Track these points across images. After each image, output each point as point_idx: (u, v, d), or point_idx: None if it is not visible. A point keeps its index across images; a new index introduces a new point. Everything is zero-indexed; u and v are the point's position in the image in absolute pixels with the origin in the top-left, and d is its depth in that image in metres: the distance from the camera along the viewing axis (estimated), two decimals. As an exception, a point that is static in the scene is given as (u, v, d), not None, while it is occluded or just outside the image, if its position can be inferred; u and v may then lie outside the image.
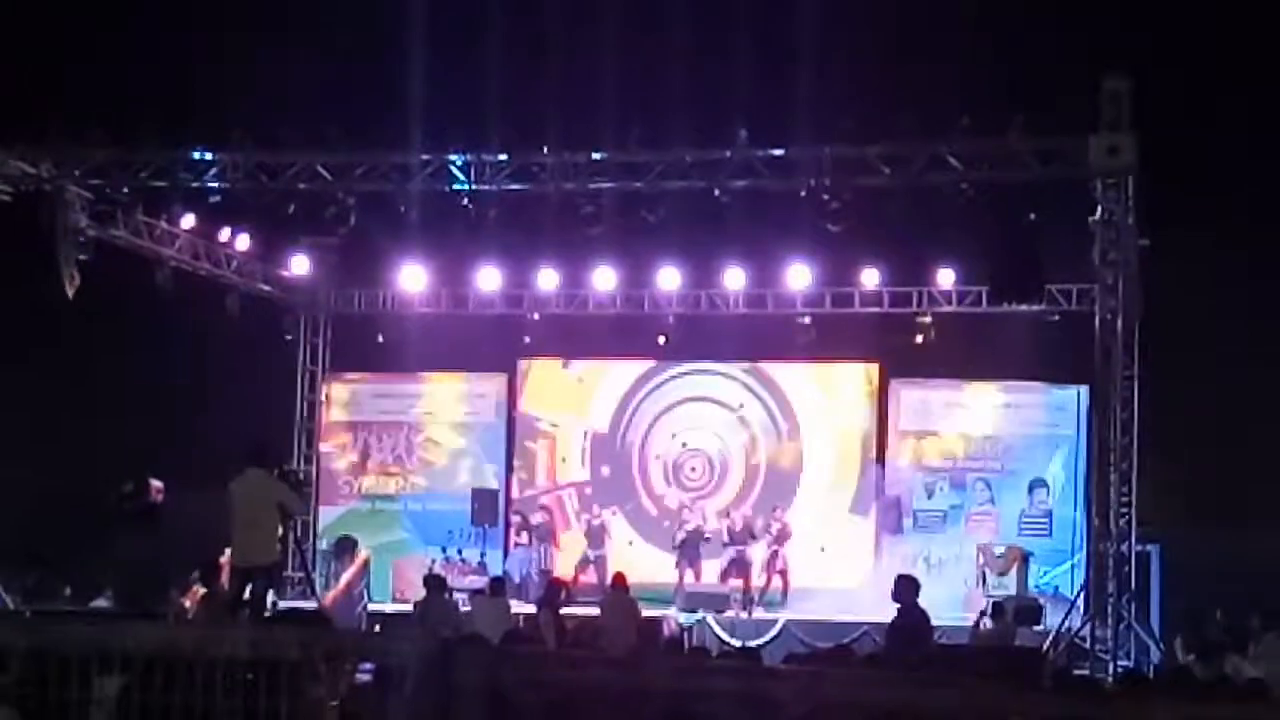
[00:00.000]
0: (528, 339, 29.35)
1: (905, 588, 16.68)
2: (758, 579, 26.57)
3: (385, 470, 29.99)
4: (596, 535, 27.89)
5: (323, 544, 28.34)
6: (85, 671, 5.98)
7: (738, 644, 23.13)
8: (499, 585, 22.18)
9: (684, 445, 29.29)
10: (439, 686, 5.81)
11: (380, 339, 29.50)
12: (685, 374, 29.50)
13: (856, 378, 28.89)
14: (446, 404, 30.10)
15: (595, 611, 21.67)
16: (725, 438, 29.26)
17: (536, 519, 28.51)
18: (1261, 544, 23.62)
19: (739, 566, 26.52)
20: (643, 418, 29.48)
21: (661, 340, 28.66)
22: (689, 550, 27.03)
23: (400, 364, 29.78)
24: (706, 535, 27.39)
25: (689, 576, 26.89)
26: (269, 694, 6.00)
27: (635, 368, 29.69)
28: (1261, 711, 5.70)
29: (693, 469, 29.21)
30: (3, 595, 21.94)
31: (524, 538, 28.25)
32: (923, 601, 16.96)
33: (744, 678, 6.10)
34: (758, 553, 26.79)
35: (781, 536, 26.86)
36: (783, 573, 26.73)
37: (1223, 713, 5.70)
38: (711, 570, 27.03)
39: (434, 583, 21.73)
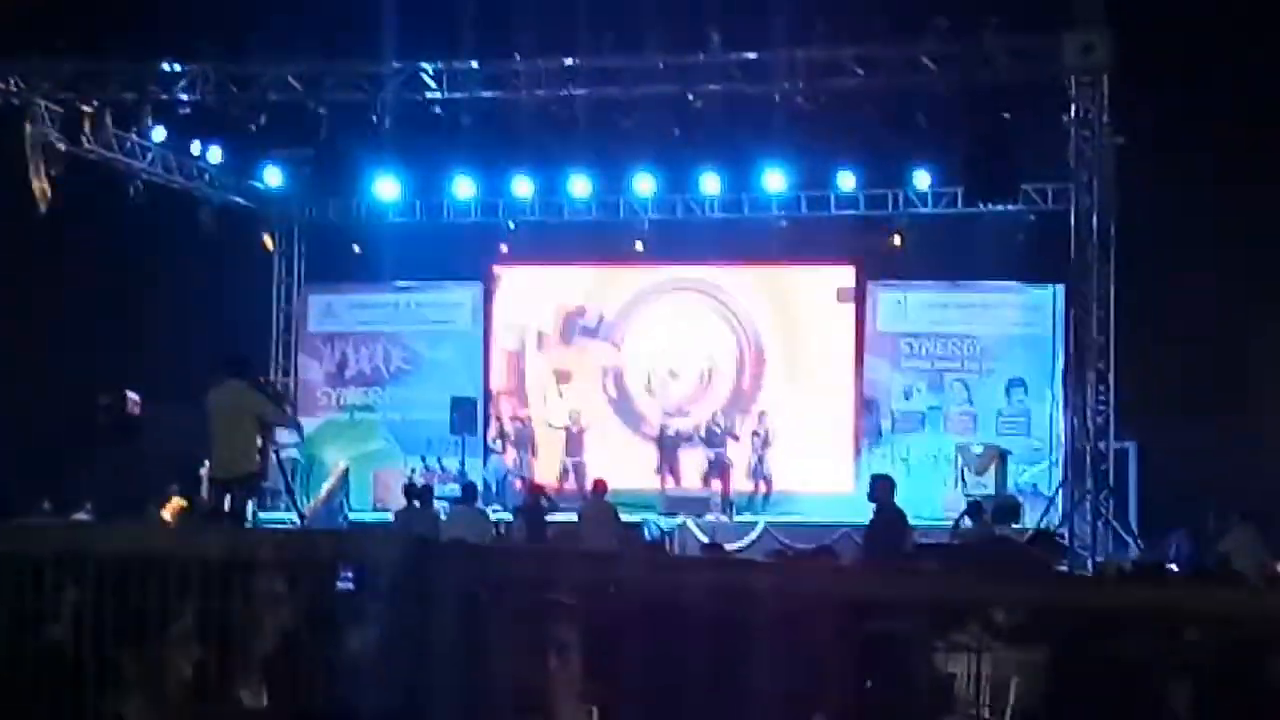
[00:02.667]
0: (504, 247, 29.30)
1: (881, 487, 16.73)
2: (740, 483, 26.65)
3: (363, 380, 29.96)
4: (575, 441, 27.91)
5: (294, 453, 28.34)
6: (58, 577, 5.97)
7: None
8: (470, 492, 22.17)
9: (663, 349, 29.28)
10: (416, 588, 5.81)
11: (356, 249, 29.40)
12: (662, 279, 29.47)
13: (833, 280, 28.87)
14: (423, 313, 30.05)
15: (574, 518, 21.70)
16: (704, 342, 29.26)
17: (514, 426, 28.51)
18: (1239, 439, 23.72)
19: (718, 469, 26.59)
20: (620, 323, 29.46)
21: (639, 246, 28.58)
22: (668, 454, 27.10)
23: (376, 274, 29.68)
24: (687, 437, 27.45)
25: (669, 481, 26.99)
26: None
27: (612, 273, 29.65)
28: (1237, 596, 5.73)
29: (671, 373, 29.21)
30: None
31: (502, 446, 28.27)
32: (902, 502, 17.02)
33: (721, 569, 6.12)
34: (738, 455, 26.87)
35: (765, 441, 26.93)
36: (766, 478, 26.82)
37: (1197, 597, 5.73)
38: (692, 474, 27.12)
39: (414, 492, 21.74)
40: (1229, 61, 23.48)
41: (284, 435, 21.24)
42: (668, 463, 27.06)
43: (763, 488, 26.78)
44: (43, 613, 6.03)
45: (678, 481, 26.96)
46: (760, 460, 26.87)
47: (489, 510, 23.49)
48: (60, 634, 6.06)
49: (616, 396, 29.36)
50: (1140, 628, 5.78)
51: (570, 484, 27.01)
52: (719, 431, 27.00)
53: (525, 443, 28.30)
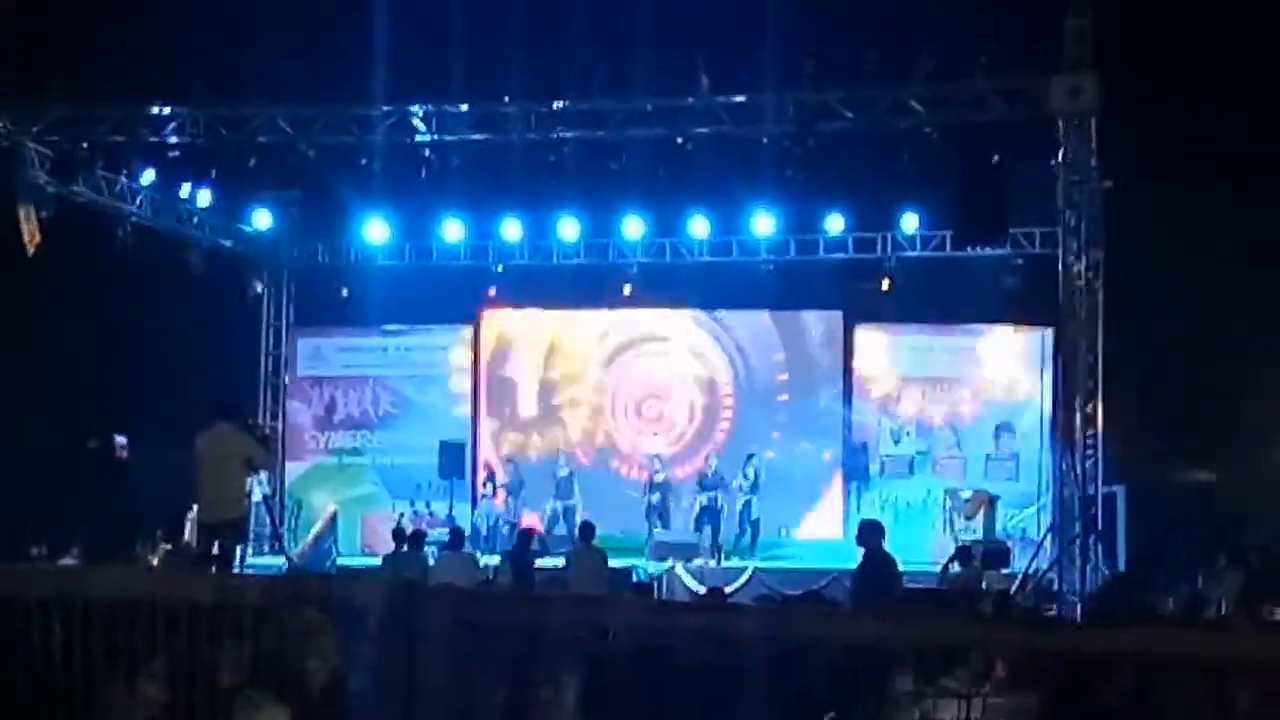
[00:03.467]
0: (493, 290, 29.30)
1: (870, 532, 16.68)
2: (728, 527, 26.59)
3: (352, 424, 29.92)
4: (564, 486, 27.86)
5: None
6: (47, 620, 5.95)
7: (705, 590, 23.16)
8: (458, 537, 22.11)
9: (651, 393, 29.27)
10: (403, 630, 5.79)
11: (345, 293, 29.40)
12: (651, 323, 29.46)
13: (822, 323, 28.88)
14: (412, 357, 30.04)
15: (563, 563, 21.64)
16: (692, 387, 29.25)
17: (504, 471, 28.45)
18: (1227, 484, 23.74)
19: (711, 514, 26.53)
20: (609, 368, 29.46)
21: (626, 289, 28.59)
22: (657, 501, 27.04)
23: (365, 317, 29.69)
24: (675, 485, 27.42)
25: (658, 527, 26.92)
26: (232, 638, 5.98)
27: (601, 317, 29.65)
28: (1227, 640, 5.70)
29: (661, 418, 29.21)
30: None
31: (491, 490, 28.21)
32: (891, 547, 16.98)
33: (709, 615, 6.10)
34: (729, 501, 26.81)
35: (753, 486, 26.87)
36: (754, 522, 26.76)
37: (1187, 641, 5.70)
38: (680, 520, 27.06)
39: (403, 536, 21.69)
40: (1217, 105, 23.58)
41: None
42: (656, 509, 26.99)
43: (750, 532, 26.72)
44: (33, 656, 6.00)
45: (665, 526, 26.87)
46: (748, 504, 26.81)
47: (478, 555, 23.38)
48: (51, 677, 6.03)
49: (604, 441, 29.32)
50: (1132, 673, 5.75)
51: (559, 529, 26.95)
52: (710, 476, 26.95)
53: (514, 487, 28.22)
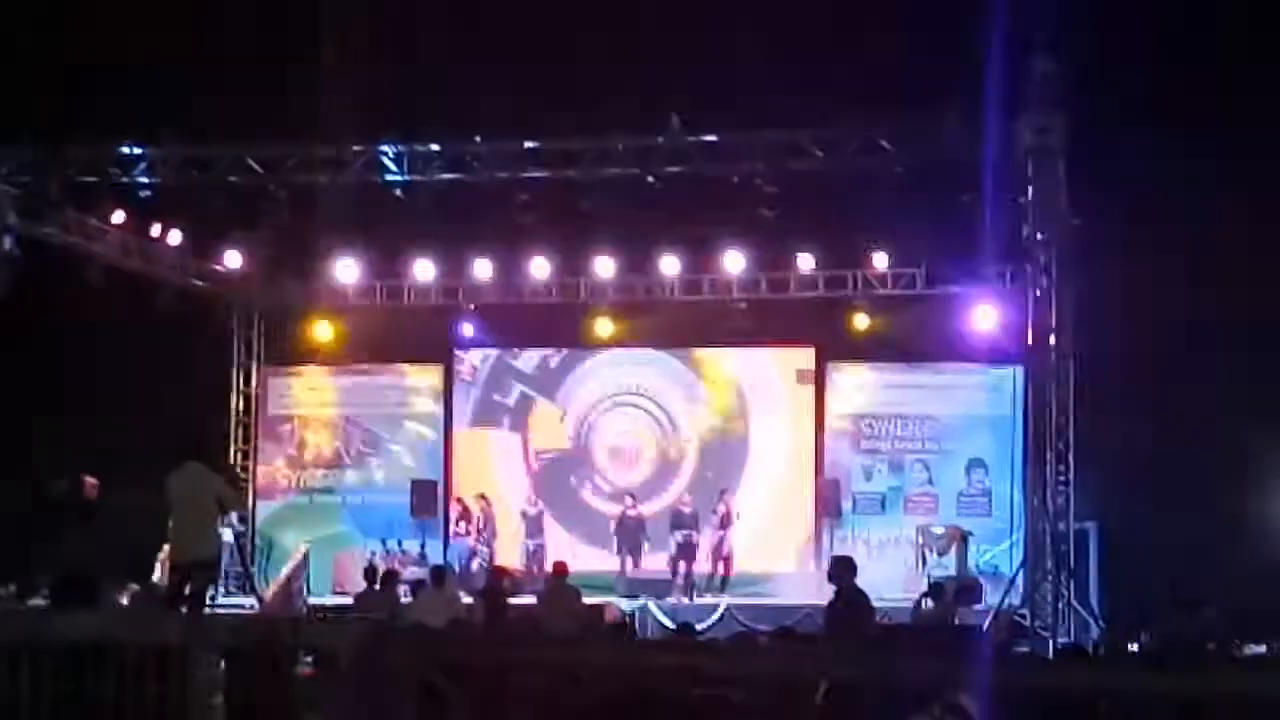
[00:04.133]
0: (464, 329, 29.31)
1: (841, 568, 16.69)
2: (702, 564, 26.55)
3: (323, 463, 29.85)
4: (535, 524, 27.82)
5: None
6: (15, 662, 5.92)
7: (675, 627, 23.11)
8: (440, 575, 22.00)
9: (622, 430, 29.26)
10: (373, 672, 5.77)
11: (317, 332, 29.39)
12: (621, 360, 29.46)
13: (793, 361, 28.90)
14: (383, 395, 29.98)
15: (534, 601, 21.57)
16: (663, 426, 29.24)
17: (475, 509, 28.34)
18: (1199, 521, 23.77)
19: (685, 551, 26.47)
20: (580, 407, 29.44)
21: (598, 327, 28.59)
22: (629, 538, 26.98)
23: (336, 357, 29.67)
24: (646, 521, 27.34)
25: (629, 564, 26.87)
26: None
27: (571, 355, 29.64)
28: (1200, 680, 5.72)
29: (631, 454, 29.19)
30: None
31: (463, 528, 28.11)
32: (864, 583, 16.98)
33: (681, 653, 6.09)
34: (703, 538, 26.80)
35: (725, 521, 26.84)
36: (726, 558, 26.73)
37: (1160, 681, 5.72)
38: (652, 557, 27.00)
39: (374, 575, 21.62)
40: (1187, 142, 23.70)
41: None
42: (627, 545, 26.92)
43: (723, 569, 26.68)
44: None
45: (636, 564, 26.82)
46: (721, 541, 26.77)
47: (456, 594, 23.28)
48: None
49: (574, 480, 29.29)
50: (1107, 710, 5.77)
51: (531, 566, 26.92)
52: (686, 513, 26.90)
53: (486, 525, 28.13)
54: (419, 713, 5.81)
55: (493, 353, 29.78)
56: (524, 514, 27.99)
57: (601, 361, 29.52)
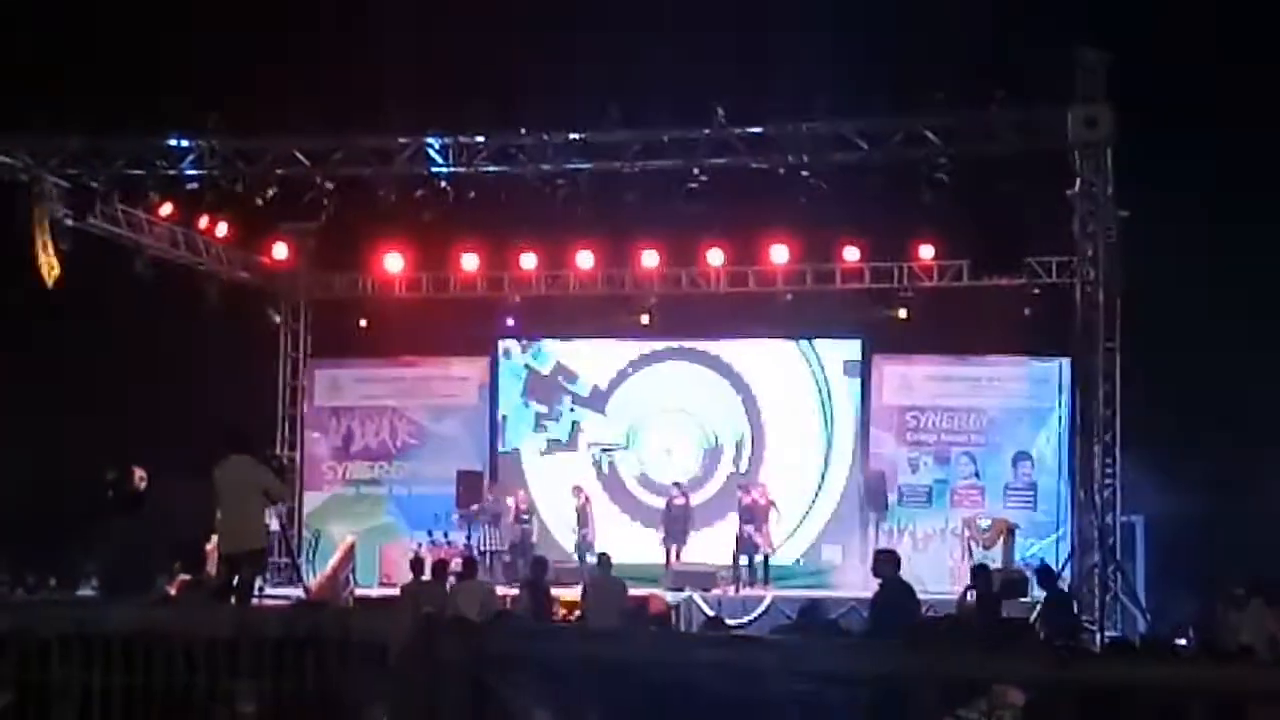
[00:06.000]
0: (509, 320, 29.36)
1: (884, 562, 16.72)
2: (744, 555, 26.53)
3: (369, 455, 29.95)
4: (581, 514, 27.84)
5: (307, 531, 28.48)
6: (66, 654, 5.96)
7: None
8: (471, 566, 22.04)
9: (671, 422, 29.28)
10: (422, 664, 5.79)
11: (363, 323, 29.47)
12: (666, 353, 29.47)
13: (839, 353, 28.87)
14: (429, 387, 30.08)
15: (579, 592, 21.58)
16: (710, 415, 29.24)
17: (512, 502, 28.34)
18: (1245, 513, 23.64)
19: (739, 543, 26.42)
20: (628, 399, 29.47)
21: (644, 319, 28.59)
22: (675, 529, 26.98)
23: (382, 348, 29.75)
24: (695, 510, 27.32)
25: (674, 555, 26.88)
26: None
27: (617, 346, 29.66)
28: (1245, 673, 5.70)
29: (673, 448, 29.20)
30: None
31: (511, 519, 28.12)
32: (909, 576, 16.99)
33: (727, 647, 6.10)
34: (746, 528, 26.80)
35: (770, 513, 26.77)
36: (771, 551, 26.66)
37: (1205, 674, 5.70)
38: (696, 547, 26.99)
39: (421, 566, 21.66)
40: (1233, 133, 23.57)
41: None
42: (673, 536, 26.93)
43: (761, 560, 26.58)
44: (50, 692, 6.01)
45: (678, 556, 26.81)
46: (760, 533, 26.70)
47: (493, 584, 23.33)
48: (69, 713, 6.05)
49: (622, 470, 29.32)
50: (1151, 704, 5.75)
51: (577, 557, 26.97)
52: (730, 503, 26.85)
53: (531, 515, 28.19)
54: (469, 703, 5.82)
55: (535, 343, 29.81)
56: (573, 505, 28.00)
57: (644, 352, 29.48)
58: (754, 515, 26.47)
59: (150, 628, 6.00)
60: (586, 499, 27.99)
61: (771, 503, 26.76)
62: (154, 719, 5.99)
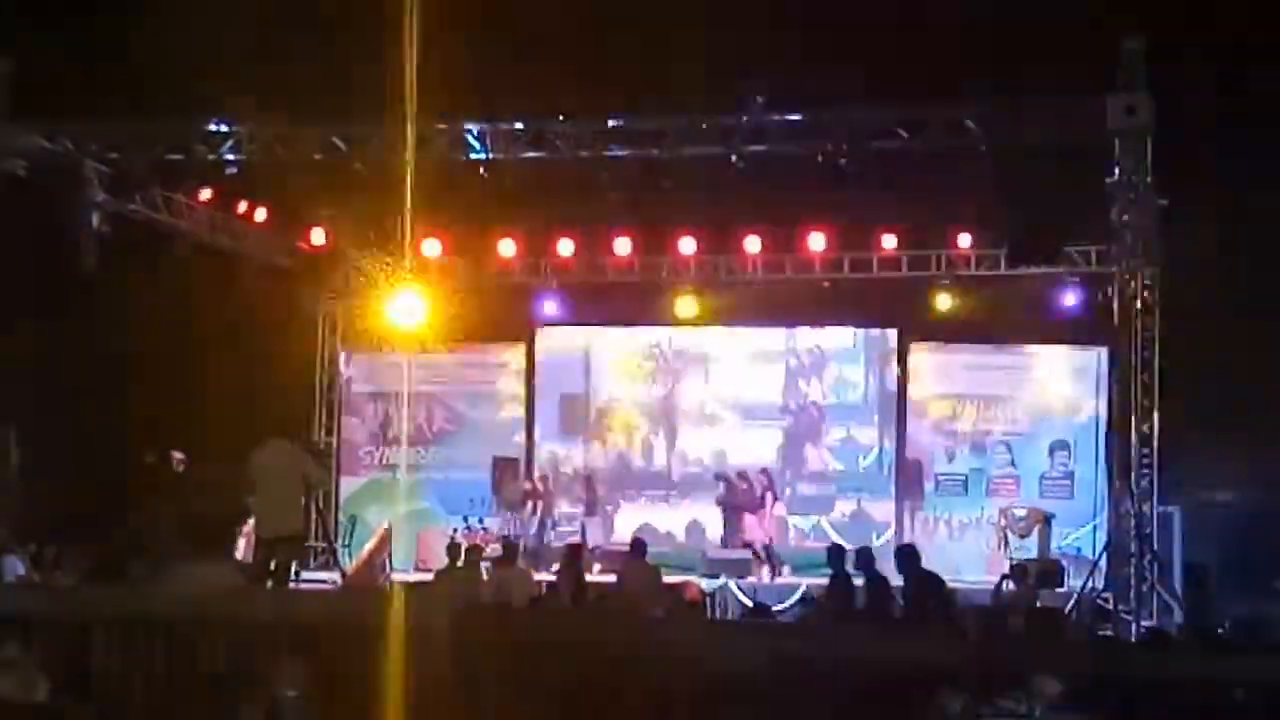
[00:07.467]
0: (547, 307, 29.37)
1: (906, 560, 16.88)
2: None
3: (406, 440, 29.98)
4: (608, 499, 28.02)
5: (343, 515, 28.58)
6: (106, 639, 6.00)
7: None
8: (510, 551, 22.11)
9: (707, 412, 29.29)
10: (458, 650, 5.82)
11: (401, 309, 29.46)
12: (704, 340, 29.45)
13: (876, 341, 28.83)
14: (466, 373, 30.11)
15: (614, 579, 21.60)
16: (746, 403, 29.22)
17: (540, 486, 28.39)
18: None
19: (768, 528, 26.43)
20: (663, 384, 29.49)
21: (681, 305, 28.54)
22: (727, 514, 26.93)
23: (419, 334, 29.69)
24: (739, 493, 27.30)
25: (705, 543, 26.95)
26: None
27: (655, 333, 29.65)
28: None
29: (717, 422, 29.22)
30: (28, 568, 22.00)
31: (529, 506, 28.16)
32: (946, 565, 17.07)
33: (765, 634, 6.11)
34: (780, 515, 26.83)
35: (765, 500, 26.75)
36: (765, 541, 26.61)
37: (1239, 665, 5.70)
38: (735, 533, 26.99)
39: (457, 552, 21.72)
40: (1275, 122, 23.45)
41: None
42: (728, 522, 26.87)
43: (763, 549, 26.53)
44: (90, 676, 6.06)
45: (728, 542, 26.78)
46: (765, 518, 26.67)
47: (531, 570, 23.40)
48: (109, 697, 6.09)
49: (654, 457, 29.35)
50: (1191, 694, 5.75)
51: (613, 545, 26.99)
52: (762, 490, 26.85)
53: (547, 503, 28.26)
54: (504, 685, 5.86)
55: (573, 330, 29.84)
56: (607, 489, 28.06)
57: (682, 340, 29.46)
58: (748, 503, 26.52)
59: (191, 612, 6.04)
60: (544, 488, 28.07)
61: (768, 489, 26.74)
62: (196, 701, 6.03)
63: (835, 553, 19.20)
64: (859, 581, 18.46)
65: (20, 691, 6.60)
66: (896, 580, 18.30)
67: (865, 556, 18.84)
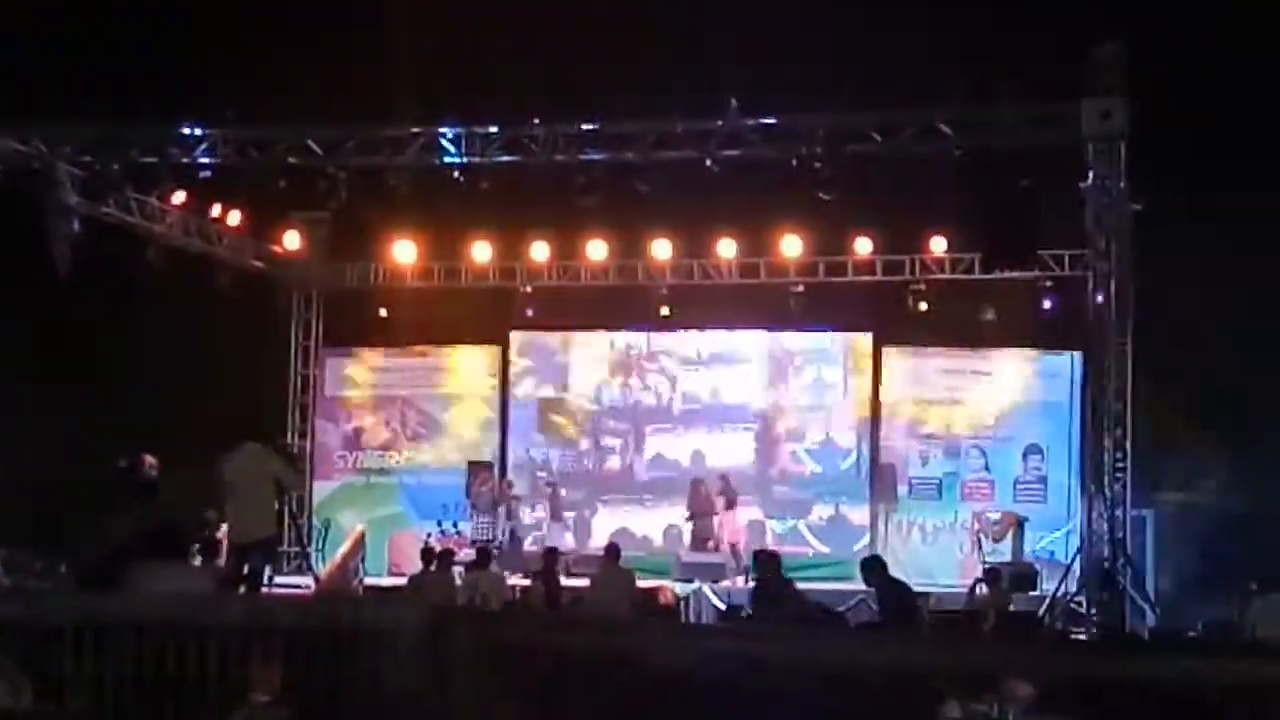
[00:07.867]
0: (524, 310, 29.34)
1: (870, 571, 16.87)
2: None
3: (380, 444, 29.96)
4: (583, 504, 28.00)
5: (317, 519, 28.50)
6: (79, 644, 5.97)
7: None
8: (485, 556, 22.10)
9: (683, 416, 29.29)
10: (432, 654, 5.80)
11: (383, 313, 29.49)
12: (679, 344, 29.44)
13: (850, 345, 28.84)
14: (441, 377, 30.08)
15: (587, 583, 21.60)
16: (721, 409, 29.22)
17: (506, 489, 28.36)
18: (1257, 508, 23.63)
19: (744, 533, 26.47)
20: (639, 388, 29.47)
21: (662, 310, 28.52)
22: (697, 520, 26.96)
23: (394, 338, 29.76)
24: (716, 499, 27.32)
25: (681, 547, 26.94)
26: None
27: (628, 337, 29.63)
28: (1258, 665, 5.69)
29: (699, 437, 29.22)
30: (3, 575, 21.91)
31: (518, 509, 28.13)
32: (919, 569, 17.08)
33: (735, 638, 6.09)
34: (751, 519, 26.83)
35: (729, 505, 26.79)
36: (734, 543, 26.60)
37: (1216, 666, 5.69)
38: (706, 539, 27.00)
39: (431, 556, 21.69)
40: (1248, 127, 23.52)
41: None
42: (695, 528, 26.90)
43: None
44: (64, 682, 6.02)
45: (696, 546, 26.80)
46: (724, 524, 26.68)
47: (505, 574, 23.38)
48: (83, 702, 6.06)
49: (629, 460, 29.33)
50: (1164, 697, 5.75)
51: (587, 549, 26.98)
52: (734, 495, 26.89)
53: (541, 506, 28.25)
54: (478, 693, 5.83)
55: (547, 334, 29.80)
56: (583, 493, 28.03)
57: (656, 343, 29.44)
58: (707, 509, 26.58)
59: (163, 616, 6.01)
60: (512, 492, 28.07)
61: (723, 494, 26.78)
62: (168, 708, 6.00)
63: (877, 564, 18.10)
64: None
65: (8, 698, 6.59)
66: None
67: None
